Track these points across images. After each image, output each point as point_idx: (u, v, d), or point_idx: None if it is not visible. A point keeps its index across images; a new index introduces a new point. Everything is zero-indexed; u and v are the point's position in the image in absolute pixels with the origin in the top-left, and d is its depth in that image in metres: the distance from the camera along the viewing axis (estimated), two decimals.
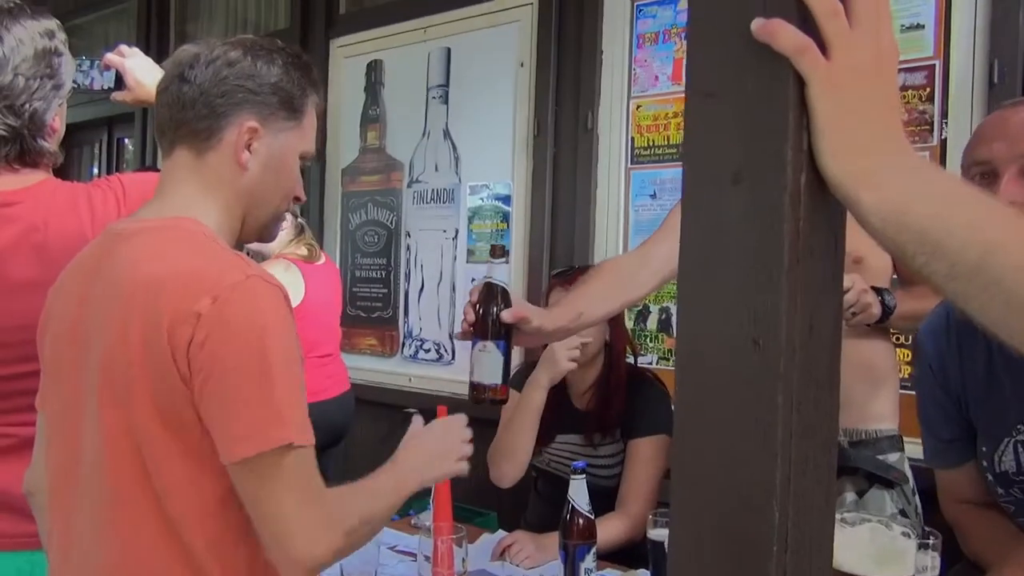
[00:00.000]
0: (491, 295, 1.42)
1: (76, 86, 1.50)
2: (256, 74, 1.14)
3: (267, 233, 1.23)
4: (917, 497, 1.82)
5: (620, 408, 2.07)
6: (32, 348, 1.19)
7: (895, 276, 1.88)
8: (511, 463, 2.10)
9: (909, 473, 1.83)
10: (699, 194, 0.67)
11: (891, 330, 1.89)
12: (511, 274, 3.04)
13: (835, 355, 0.69)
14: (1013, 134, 1.26)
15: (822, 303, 0.67)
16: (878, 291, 1.69)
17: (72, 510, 1.11)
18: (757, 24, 0.61)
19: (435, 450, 1.31)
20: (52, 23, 1.38)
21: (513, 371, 2.67)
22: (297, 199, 1.24)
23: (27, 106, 1.32)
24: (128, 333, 1.04)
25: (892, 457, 1.80)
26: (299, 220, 3.04)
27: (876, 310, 1.66)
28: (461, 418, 1.39)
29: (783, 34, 0.59)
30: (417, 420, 1.39)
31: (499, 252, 1.47)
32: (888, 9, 0.64)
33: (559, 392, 2.13)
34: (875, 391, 1.81)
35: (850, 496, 1.75)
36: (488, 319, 1.40)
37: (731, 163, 0.64)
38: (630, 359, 2.20)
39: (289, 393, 1.03)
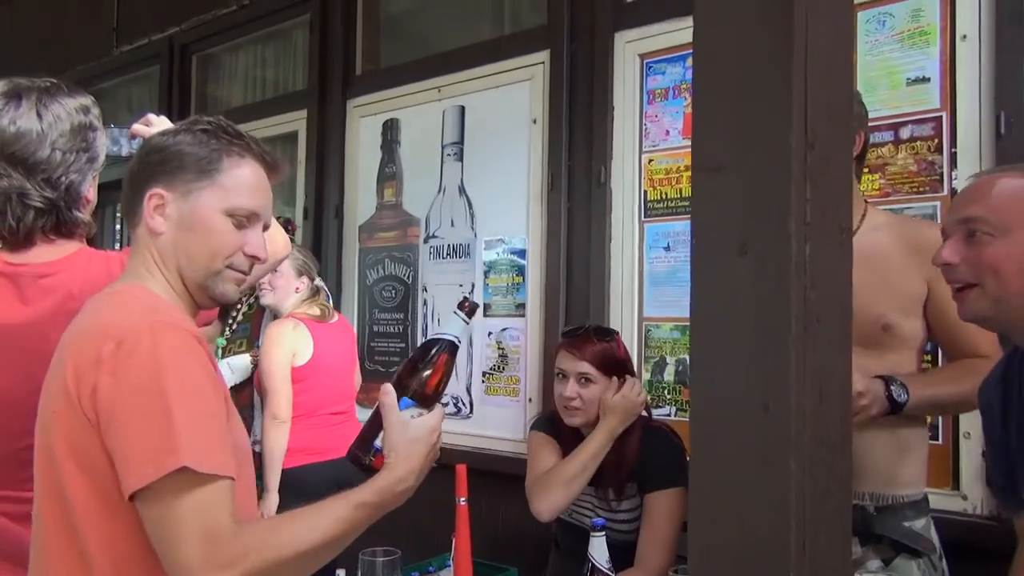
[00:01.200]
0: (428, 352, 1.28)
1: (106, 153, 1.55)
2: (163, 147, 1.23)
3: (215, 294, 1.24)
4: (944, 563, 1.77)
5: (634, 462, 2.07)
6: None
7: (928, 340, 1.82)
8: (565, 492, 2.03)
9: (936, 539, 1.77)
10: (707, 264, 0.69)
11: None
12: (527, 327, 3.06)
13: (846, 419, 0.71)
14: (956, 203, 1.41)
15: (831, 368, 0.69)
16: (888, 383, 1.63)
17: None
18: None
19: (419, 464, 1.22)
20: (87, 99, 1.44)
21: (531, 419, 2.70)
22: (253, 257, 1.25)
23: (63, 179, 1.37)
24: (52, 388, 1.11)
25: (918, 523, 1.74)
26: (315, 283, 3.09)
27: (875, 410, 1.60)
28: (436, 415, 1.27)
29: None
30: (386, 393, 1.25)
31: (468, 307, 1.33)
32: None
33: (577, 446, 2.12)
34: (902, 456, 1.75)
35: (875, 563, 1.71)
36: (422, 381, 1.27)
37: (737, 235, 0.67)
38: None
39: (190, 423, 1.02)
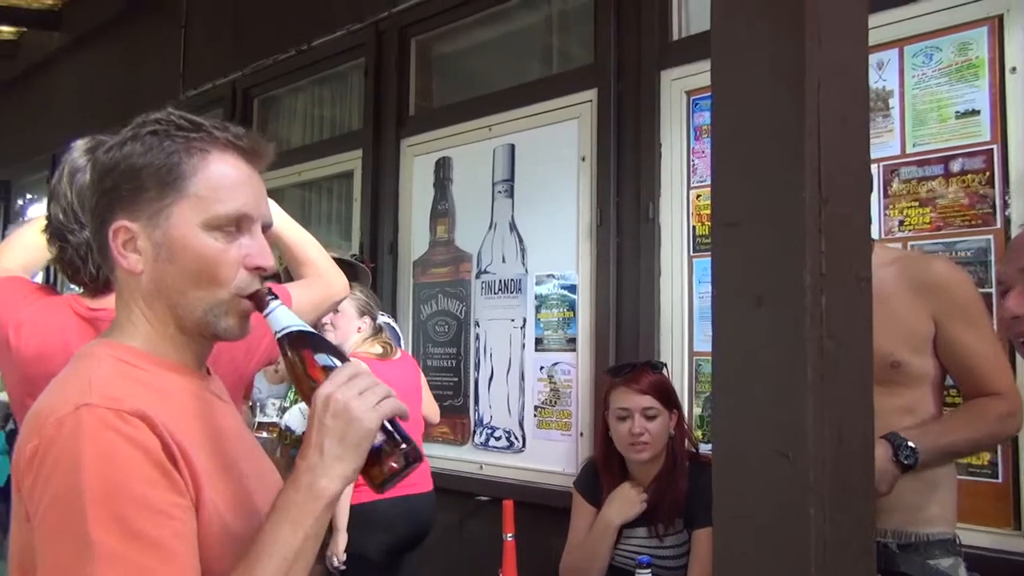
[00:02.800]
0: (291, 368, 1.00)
1: None
2: (112, 167, 1.00)
3: (219, 330, 1.01)
4: None
5: (682, 498, 2.07)
6: None
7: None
8: None
9: None
10: (726, 316, 0.72)
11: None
12: (579, 361, 3.08)
13: (868, 465, 0.73)
14: (1014, 252, 1.37)
15: (851, 415, 0.71)
16: (896, 448, 1.58)
17: None
18: None
19: (336, 433, 0.93)
20: None
21: (582, 462, 2.71)
22: (257, 269, 1.01)
23: None
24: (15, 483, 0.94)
25: (945, 563, 1.69)
26: (379, 321, 3.14)
27: (884, 488, 1.54)
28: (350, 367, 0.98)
29: None
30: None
31: (260, 298, 1.02)
32: None
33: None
34: (929, 493, 1.72)
35: None
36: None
37: (753, 288, 0.69)
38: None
39: (113, 541, 0.82)
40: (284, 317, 0.99)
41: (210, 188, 0.99)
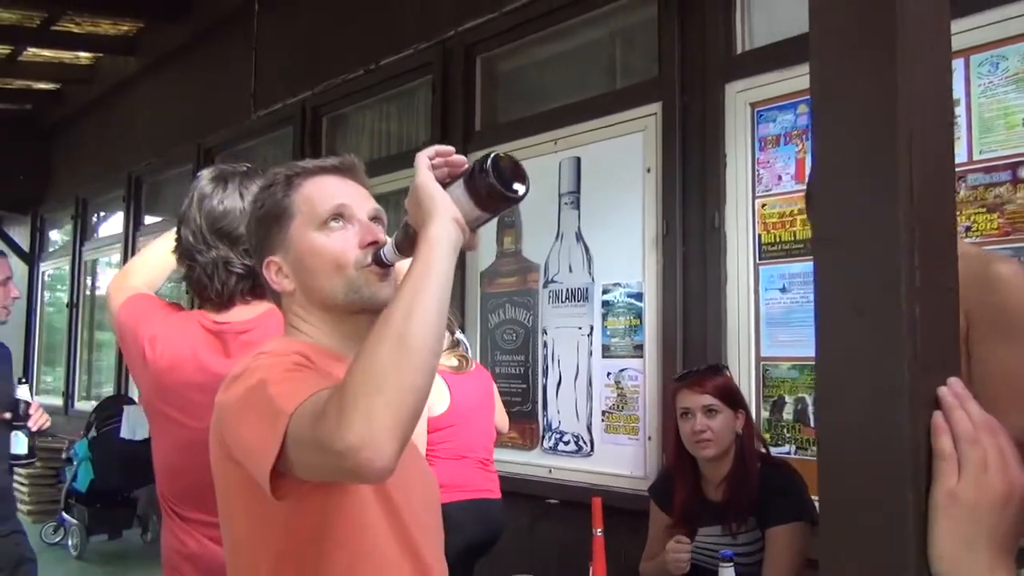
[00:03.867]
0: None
1: None
2: (251, 222, 1.29)
3: (366, 298, 1.19)
4: None
5: (753, 496, 2.14)
6: None
7: None
8: None
9: None
10: (829, 324, 0.80)
11: None
12: (645, 367, 3.16)
13: None
14: None
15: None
16: None
17: None
18: (937, 417, 0.75)
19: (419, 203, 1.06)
20: None
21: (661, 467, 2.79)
22: (372, 244, 1.18)
23: None
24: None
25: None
26: (455, 336, 3.25)
27: None
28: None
29: (940, 437, 0.75)
30: None
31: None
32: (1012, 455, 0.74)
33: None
34: None
35: None
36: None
37: (853, 299, 0.78)
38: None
39: (284, 386, 1.03)
40: (391, 243, 1.16)
41: (308, 202, 1.23)
